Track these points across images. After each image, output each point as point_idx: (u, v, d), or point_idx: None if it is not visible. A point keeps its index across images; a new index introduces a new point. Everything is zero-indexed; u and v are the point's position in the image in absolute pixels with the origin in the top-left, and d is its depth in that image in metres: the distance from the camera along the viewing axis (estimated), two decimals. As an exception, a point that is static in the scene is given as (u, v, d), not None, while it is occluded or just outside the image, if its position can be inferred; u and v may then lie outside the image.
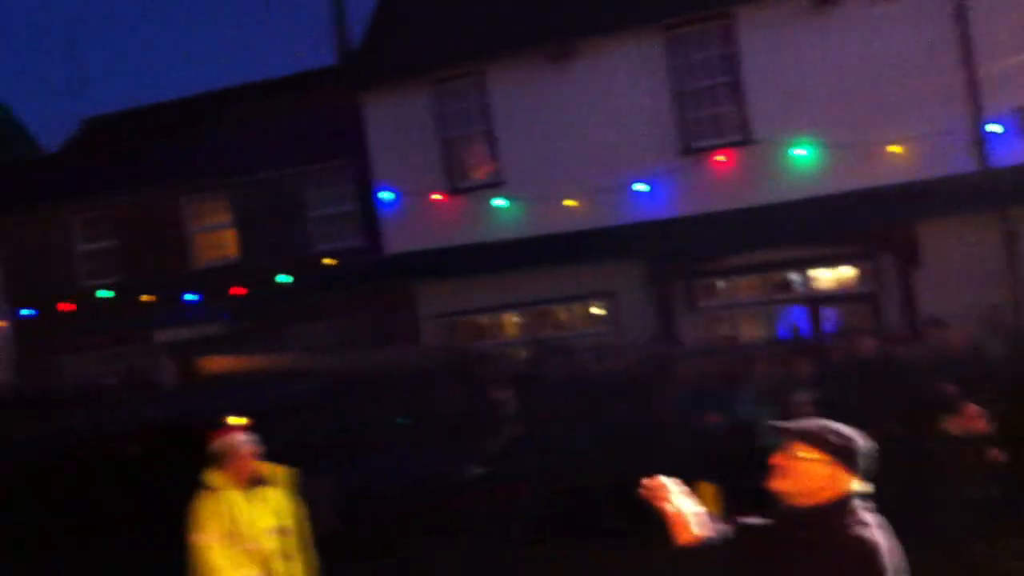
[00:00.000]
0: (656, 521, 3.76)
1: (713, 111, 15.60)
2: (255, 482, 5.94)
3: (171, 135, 21.00)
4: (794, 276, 15.18)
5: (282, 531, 5.94)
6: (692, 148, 15.52)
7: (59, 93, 64.94)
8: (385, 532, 6.05)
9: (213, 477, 5.95)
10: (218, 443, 6.03)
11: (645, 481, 3.78)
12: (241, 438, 6.05)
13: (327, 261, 18.18)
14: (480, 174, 16.95)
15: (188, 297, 19.24)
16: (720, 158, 15.35)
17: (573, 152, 15.80)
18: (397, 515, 8.77)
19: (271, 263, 18.50)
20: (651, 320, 15.09)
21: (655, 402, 9.96)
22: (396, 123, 17.15)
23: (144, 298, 19.46)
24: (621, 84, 15.72)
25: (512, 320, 17.00)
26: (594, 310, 16.38)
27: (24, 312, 20.86)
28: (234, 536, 5.72)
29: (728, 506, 3.82)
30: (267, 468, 6.03)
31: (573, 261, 15.39)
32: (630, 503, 8.58)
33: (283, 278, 18.35)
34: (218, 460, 5.98)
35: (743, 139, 15.27)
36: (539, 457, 10.09)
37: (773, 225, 14.32)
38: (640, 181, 15.46)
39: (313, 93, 20.02)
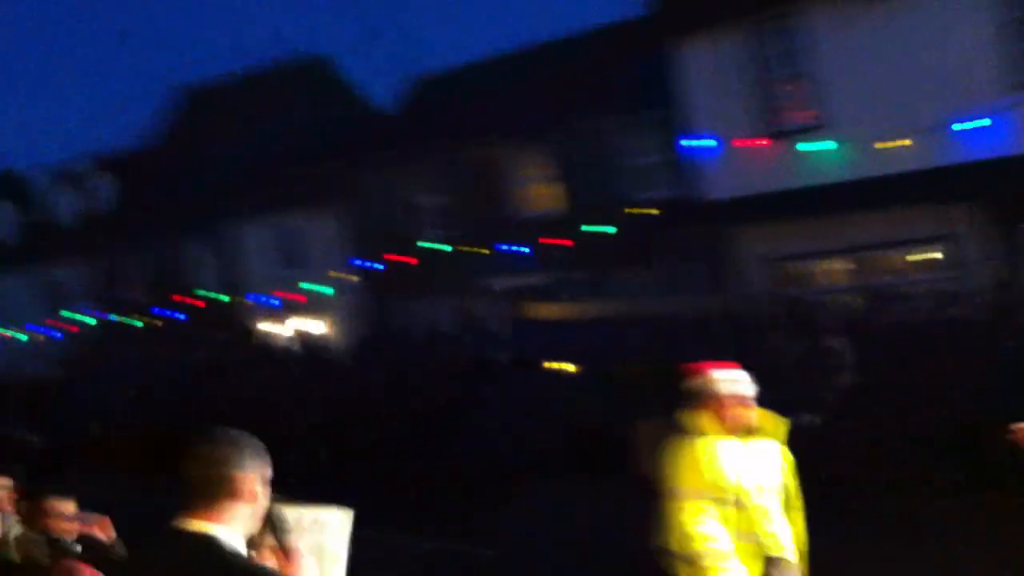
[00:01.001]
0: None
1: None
2: (748, 431, 4.96)
3: (496, 91, 21.98)
4: None
5: (778, 489, 5.01)
6: (1034, 80, 14.54)
7: (387, 52, 68.67)
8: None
9: (696, 421, 4.99)
10: (698, 381, 5.05)
11: (1017, 425, 3.77)
12: (731, 376, 5.01)
13: (646, 210, 18.51)
14: (799, 117, 16.63)
15: (515, 247, 20.19)
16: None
17: (898, 90, 15.16)
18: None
19: (592, 213, 19.07)
20: (993, 265, 14.37)
21: (1000, 350, 9.63)
22: (711, 69, 17.07)
23: (474, 248, 20.61)
24: (952, 15, 14.88)
25: (840, 266, 16.64)
26: (930, 255, 15.79)
27: (366, 263, 22.63)
28: (719, 490, 4.83)
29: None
30: (761, 416, 5.00)
31: (904, 203, 14.88)
32: (976, 452, 8.45)
33: (603, 227, 18.88)
34: (698, 401, 5.01)
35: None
36: (872, 408, 10.03)
37: None
38: (975, 118, 14.69)
39: (627, 43, 20.32)
